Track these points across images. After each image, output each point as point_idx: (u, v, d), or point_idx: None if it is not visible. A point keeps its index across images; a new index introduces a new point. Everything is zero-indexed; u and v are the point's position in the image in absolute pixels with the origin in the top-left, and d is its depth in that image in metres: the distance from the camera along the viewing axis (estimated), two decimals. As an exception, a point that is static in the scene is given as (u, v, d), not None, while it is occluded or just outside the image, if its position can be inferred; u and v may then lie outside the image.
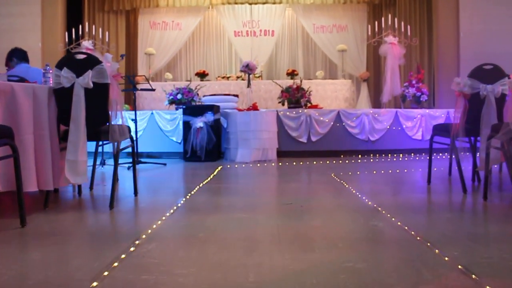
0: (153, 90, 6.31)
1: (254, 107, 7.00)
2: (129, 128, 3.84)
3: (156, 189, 4.49)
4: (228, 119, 7.03)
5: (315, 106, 7.67)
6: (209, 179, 4.82)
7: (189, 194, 3.79)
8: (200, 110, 6.86)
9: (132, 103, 10.89)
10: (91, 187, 4.13)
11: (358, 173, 5.35)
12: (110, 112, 3.23)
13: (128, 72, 11.54)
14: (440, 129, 4.22)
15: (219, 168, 5.92)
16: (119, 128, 3.27)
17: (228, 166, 6.24)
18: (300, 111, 7.45)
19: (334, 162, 6.69)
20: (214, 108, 6.87)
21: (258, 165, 6.34)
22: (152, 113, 7.61)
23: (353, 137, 7.61)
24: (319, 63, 11.87)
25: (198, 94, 7.75)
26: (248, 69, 7.40)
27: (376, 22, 9.63)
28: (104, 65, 3.23)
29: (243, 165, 6.29)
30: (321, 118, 7.49)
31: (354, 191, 3.91)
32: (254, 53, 11.25)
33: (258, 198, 3.62)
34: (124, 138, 3.33)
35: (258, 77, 10.46)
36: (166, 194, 4.03)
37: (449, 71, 9.11)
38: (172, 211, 3.12)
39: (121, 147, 3.48)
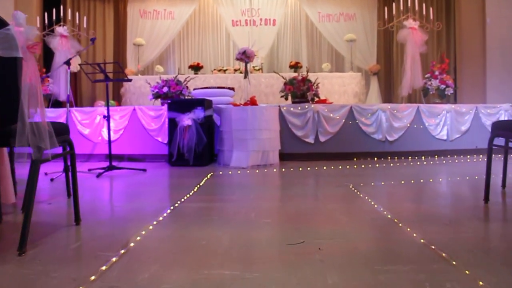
0: (128, 80, 5.10)
1: (252, 102, 5.79)
2: (63, 127, 2.63)
3: (110, 211, 3.28)
4: (222, 116, 5.82)
5: (324, 101, 6.45)
6: (191, 193, 3.62)
7: (151, 225, 2.58)
8: (188, 105, 5.65)
9: (118, 98, 9.74)
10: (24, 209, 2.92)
11: (383, 183, 4.13)
12: (21, 103, 2.01)
13: (117, 66, 10.33)
14: (505, 128, 3.00)
15: (209, 175, 4.72)
16: (35, 128, 2.05)
17: (221, 172, 5.03)
18: (307, 106, 6.23)
19: (347, 167, 5.47)
20: (205, 103, 5.66)
21: (257, 171, 5.13)
22: (134, 109, 6.41)
23: (367, 137, 6.39)
24: (324, 55, 10.64)
25: (187, 87, 6.54)
26: (245, 56, 6.18)
27: (389, 7, 8.37)
28: (11, 29, 2.02)
29: (239, 171, 5.08)
30: (331, 115, 6.27)
31: (393, 219, 2.70)
32: (254, 47, 10.05)
33: (253, 232, 2.42)
34: (45, 143, 2.11)
35: (258, 69, 9.24)
36: (118, 223, 2.82)
37: (473, 61, 7.88)
38: (111, 262, 1.92)
39: (49, 154, 2.26)
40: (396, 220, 2.58)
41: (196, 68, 9.26)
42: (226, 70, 9.26)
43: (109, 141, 5.10)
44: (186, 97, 6.43)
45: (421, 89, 7.00)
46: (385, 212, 2.80)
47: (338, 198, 3.41)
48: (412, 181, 4.22)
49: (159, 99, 6.47)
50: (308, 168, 5.31)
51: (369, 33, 10.30)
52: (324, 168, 5.35)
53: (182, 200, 3.31)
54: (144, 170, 5.21)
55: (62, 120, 6.64)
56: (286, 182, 4.32)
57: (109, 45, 10.25)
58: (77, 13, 8.90)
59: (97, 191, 3.98)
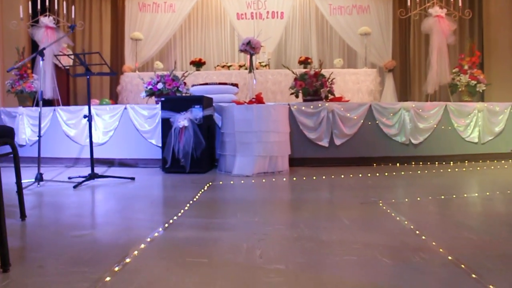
0: (113, 74, 4.30)
1: (258, 99, 4.97)
2: (4, 130, 1.85)
3: (58, 246, 2.47)
4: (223, 116, 5.02)
5: (339, 99, 5.62)
6: (180, 213, 2.81)
7: (108, 275, 1.78)
8: (185, 103, 4.85)
9: (115, 97, 8.96)
10: None
11: (419, 199, 3.31)
12: None
13: (115, 62, 9.58)
14: None
15: (206, 186, 3.92)
16: None
17: (221, 182, 4.22)
18: (320, 105, 5.41)
19: (368, 175, 4.64)
20: (203, 101, 4.85)
21: (263, 180, 4.32)
22: (125, 108, 5.62)
23: (389, 139, 5.56)
24: (335, 51, 9.79)
25: (185, 83, 5.73)
26: (250, 48, 5.36)
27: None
28: None
29: (242, 181, 4.28)
30: (348, 115, 5.44)
31: (458, 264, 1.88)
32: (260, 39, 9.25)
33: None
34: None
35: (265, 66, 8.42)
36: (62, 269, 2.02)
37: (503, 54, 7.00)
38: None
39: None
40: (463, 266, 1.76)
41: (198, 64, 8.46)
42: (231, 66, 8.45)
43: (91, 145, 4.32)
44: (183, 95, 5.62)
45: (448, 86, 6.14)
46: (441, 250, 1.98)
47: (369, 223, 2.59)
48: (454, 196, 3.39)
49: (153, 97, 5.67)
50: (323, 177, 4.49)
51: (384, 27, 9.45)
52: (342, 176, 4.53)
53: (166, 225, 2.50)
54: (132, 178, 4.41)
55: (47, 120, 5.87)
56: (300, 198, 3.49)
57: (106, 40, 9.48)
58: (64, 2, 8.11)
59: (62, 210, 3.18)
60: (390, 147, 5.56)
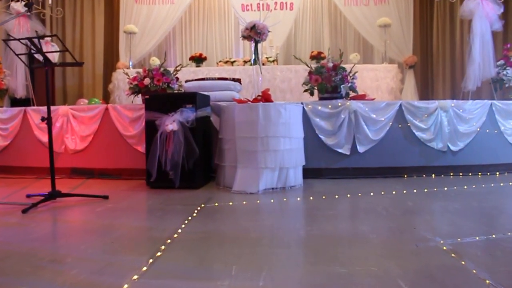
0: (79, 64, 3.30)
1: (265, 97, 3.96)
2: None
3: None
4: (222, 118, 4.01)
5: (363, 97, 4.60)
6: (149, 262, 1.82)
7: None
8: (174, 101, 3.85)
9: (106, 97, 8.00)
10: None
11: (494, 236, 2.28)
12: None
13: (109, 59, 8.64)
14: None
15: (196, 211, 2.92)
16: None
17: (216, 204, 3.22)
18: (340, 104, 4.39)
19: (404, 192, 3.62)
20: (197, 99, 3.85)
21: (272, 201, 3.31)
22: (106, 109, 4.64)
23: (423, 145, 4.53)
24: (350, 45, 8.75)
25: (178, 79, 4.73)
26: (254, 33, 4.34)
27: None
28: None
29: (244, 201, 3.27)
30: (374, 116, 4.41)
31: None
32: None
33: None
34: None
35: (273, 61, 7.41)
36: None
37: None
38: None
39: None
40: None
41: (199, 59, 7.47)
42: (234, 62, 7.44)
43: (51, 154, 3.32)
44: (175, 92, 4.63)
45: (492, 81, 5.08)
46: None
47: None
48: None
49: (140, 95, 4.68)
50: (348, 195, 3.47)
51: (404, 18, 8.39)
52: (371, 194, 3.51)
53: (138, 275, 1.51)
54: (106, 197, 3.43)
55: (16, 122, 4.92)
56: (323, 234, 2.46)
57: (99, 34, 8.52)
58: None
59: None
60: (424, 155, 4.53)
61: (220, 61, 7.64)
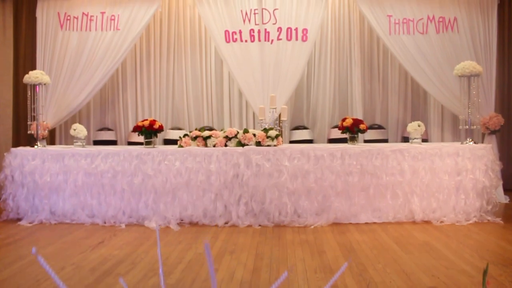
0: None
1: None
2: None
3: None
4: None
5: None
6: None
7: None
8: None
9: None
10: None
11: None
12: None
13: (22, 122, 5.30)
14: None
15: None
16: None
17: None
18: None
19: None
20: None
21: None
22: None
23: None
24: (395, 101, 5.44)
25: None
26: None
27: None
28: None
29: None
30: None
31: None
32: (265, 80, 4.90)
33: None
34: None
35: (276, 137, 4.02)
36: None
37: None
38: None
39: None
40: None
41: (148, 132, 4.10)
42: (209, 137, 4.05)
43: None
44: None
45: None
46: None
47: None
48: None
49: None
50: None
51: (482, 55, 5.08)
52: None
53: None
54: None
55: None
56: None
57: (6, 83, 5.19)
58: None
59: None
60: None
61: (186, 135, 4.19)
